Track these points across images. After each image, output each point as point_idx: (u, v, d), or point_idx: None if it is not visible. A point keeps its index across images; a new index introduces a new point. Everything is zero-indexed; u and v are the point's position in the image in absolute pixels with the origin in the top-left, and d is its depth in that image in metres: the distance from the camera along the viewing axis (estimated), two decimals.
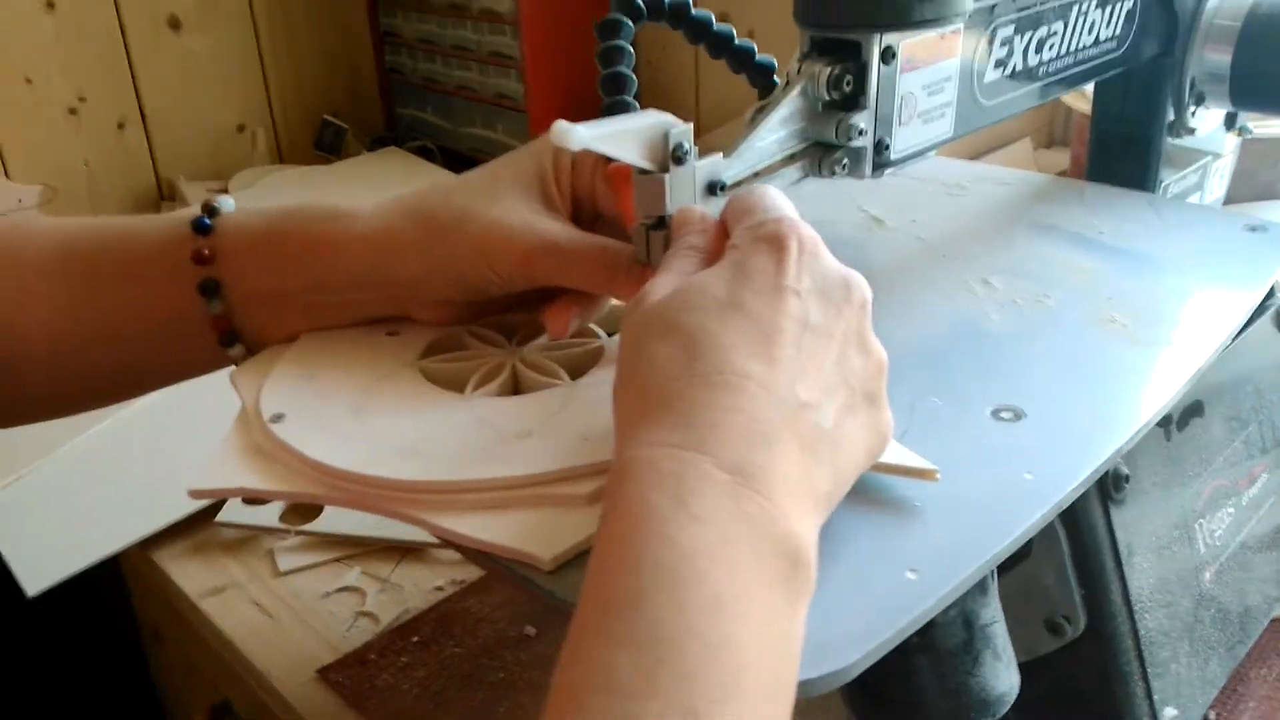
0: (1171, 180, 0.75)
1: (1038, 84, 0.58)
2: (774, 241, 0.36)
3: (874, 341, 0.36)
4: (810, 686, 0.32)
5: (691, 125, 0.42)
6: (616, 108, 0.47)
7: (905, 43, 0.48)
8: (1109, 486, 0.45)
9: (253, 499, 0.73)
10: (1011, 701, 0.40)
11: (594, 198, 0.48)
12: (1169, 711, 0.48)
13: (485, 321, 0.50)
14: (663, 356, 0.33)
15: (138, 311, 0.48)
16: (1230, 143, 0.81)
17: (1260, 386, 0.57)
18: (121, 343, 0.48)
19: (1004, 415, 0.43)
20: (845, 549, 0.36)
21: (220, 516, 0.72)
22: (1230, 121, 0.79)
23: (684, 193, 0.43)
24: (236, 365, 0.48)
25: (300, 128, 1.24)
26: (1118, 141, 0.73)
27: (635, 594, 0.27)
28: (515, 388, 0.47)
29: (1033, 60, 0.56)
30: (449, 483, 0.39)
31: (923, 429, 0.42)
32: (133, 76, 1.11)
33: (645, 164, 0.42)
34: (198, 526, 0.72)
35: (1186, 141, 0.75)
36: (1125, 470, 0.46)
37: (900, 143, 0.50)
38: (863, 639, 0.33)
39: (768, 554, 0.29)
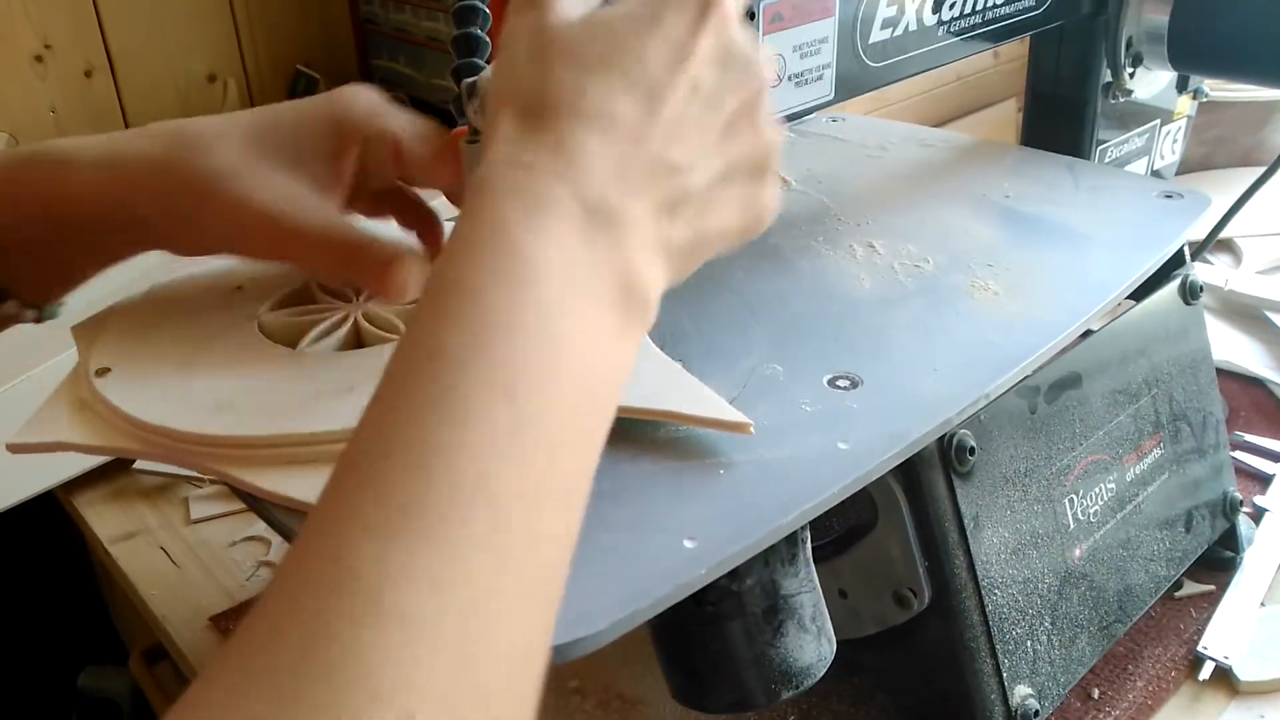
0: (1112, 143, 0.73)
1: (938, 44, 0.56)
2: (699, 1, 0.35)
3: (768, 123, 0.36)
4: (559, 653, 0.31)
5: None
6: (465, 70, 0.46)
7: (767, 2, 0.46)
8: (951, 458, 0.44)
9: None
10: (820, 673, 0.40)
11: (386, 171, 0.44)
12: (1021, 690, 0.47)
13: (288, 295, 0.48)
14: (555, 78, 0.33)
15: None
16: (1185, 105, 0.79)
17: (1156, 359, 0.55)
18: None
19: (840, 383, 0.42)
20: (629, 514, 0.36)
21: (139, 463, 0.73)
22: (1183, 83, 0.76)
23: None
24: (10, 321, 0.45)
25: (273, 78, 1.24)
26: (1052, 103, 0.70)
27: (470, 284, 0.29)
28: (359, 342, 0.46)
29: (929, 20, 0.54)
30: (254, 438, 0.39)
31: (753, 395, 0.42)
32: (99, 23, 1.11)
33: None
34: (119, 472, 0.73)
35: (1137, 102, 0.73)
36: (971, 442, 0.44)
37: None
38: (619, 607, 0.32)
39: (606, 279, 0.31)
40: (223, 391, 0.41)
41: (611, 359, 0.31)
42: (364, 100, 0.44)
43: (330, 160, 0.42)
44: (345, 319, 0.46)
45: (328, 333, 0.45)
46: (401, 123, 0.44)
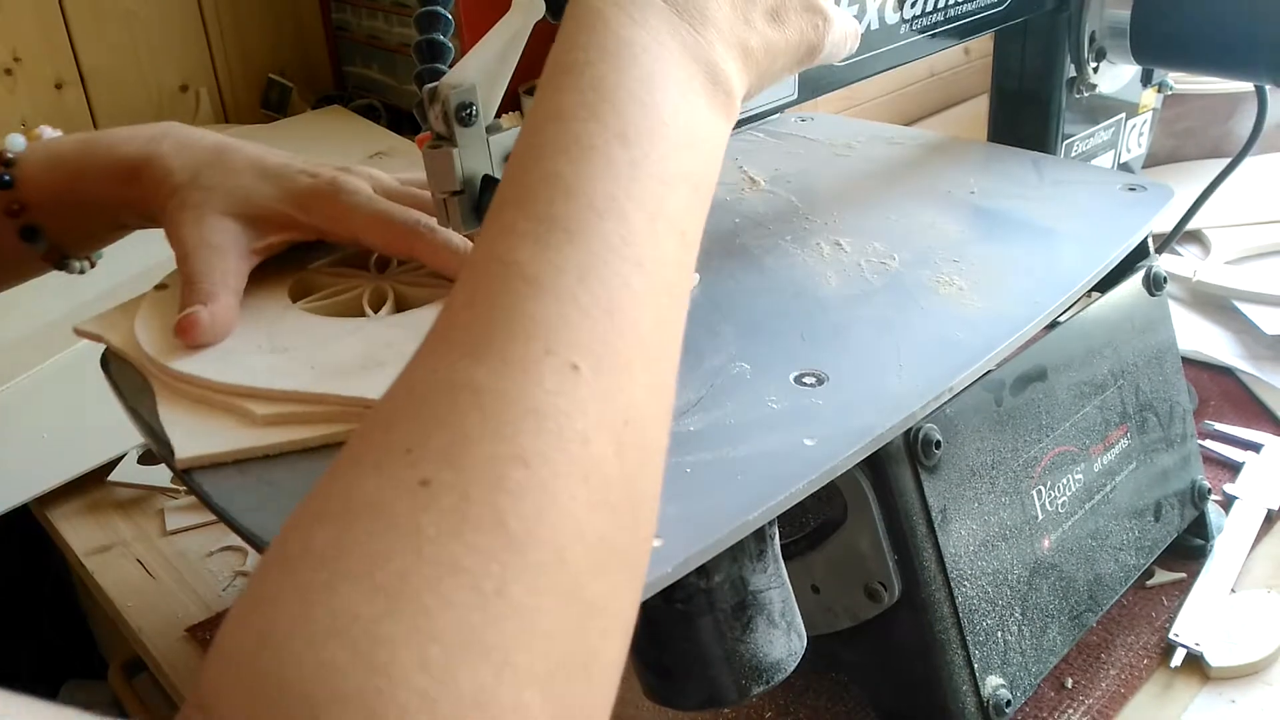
0: (1078, 137, 0.73)
1: (902, 42, 0.56)
2: None
3: None
4: None
5: (473, 85, 0.41)
6: (428, 75, 0.46)
7: None
8: (917, 452, 0.44)
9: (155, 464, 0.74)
10: (791, 668, 0.40)
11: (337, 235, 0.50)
12: (993, 680, 0.47)
13: (345, 256, 0.52)
14: None
15: None
16: (1150, 98, 0.79)
17: (1121, 350, 0.55)
18: None
19: (806, 380, 0.43)
20: None
21: (113, 476, 0.73)
22: (1147, 76, 0.77)
23: (479, 163, 0.42)
24: (63, 268, 0.53)
25: (245, 87, 1.23)
26: (1018, 99, 0.71)
27: (582, 62, 0.33)
28: (360, 313, 0.48)
29: (892, 18, 0.55)
30: (180, 373, 0.42)
31: (719, 395, 0.42)
32: (69, 36, 1.10)
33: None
34: (92, 486, 0.73)
35: (1102, 95, 0.73)
36: (936, 436, 0.45)
37: None
38: None
39: (692, 65, 0.35)
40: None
41: (706, 130, 0.34)
42: (338, 203, 0.48)
43: (272, 229, 0.48)
44: (350, 290, 0.48)
45: (328, 296, 0.48)
46: (363, 222, 0.48)
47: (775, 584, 0.40)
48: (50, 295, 0.88)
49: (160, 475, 0.73)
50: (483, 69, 0.41)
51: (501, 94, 0.42)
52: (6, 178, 0.48)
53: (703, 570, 0.38)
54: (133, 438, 0.75)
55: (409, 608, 0.22)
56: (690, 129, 0.34)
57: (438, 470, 0.24)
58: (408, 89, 1.18)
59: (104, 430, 0.75)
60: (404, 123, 1.19)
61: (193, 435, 0.40)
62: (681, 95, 0.34)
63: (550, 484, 0.25)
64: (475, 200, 0.42)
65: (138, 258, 0.87)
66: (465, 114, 0.41)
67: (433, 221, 0.47)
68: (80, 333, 0.47)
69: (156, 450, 0.42)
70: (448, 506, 0.23)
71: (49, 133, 0.52)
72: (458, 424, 0.25)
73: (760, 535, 0.39)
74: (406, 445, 0.25)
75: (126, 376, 0.45)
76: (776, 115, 0.54)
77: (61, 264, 0.52)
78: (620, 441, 0.27)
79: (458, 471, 0.24)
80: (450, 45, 0.47)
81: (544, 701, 0.22)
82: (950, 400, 0.44)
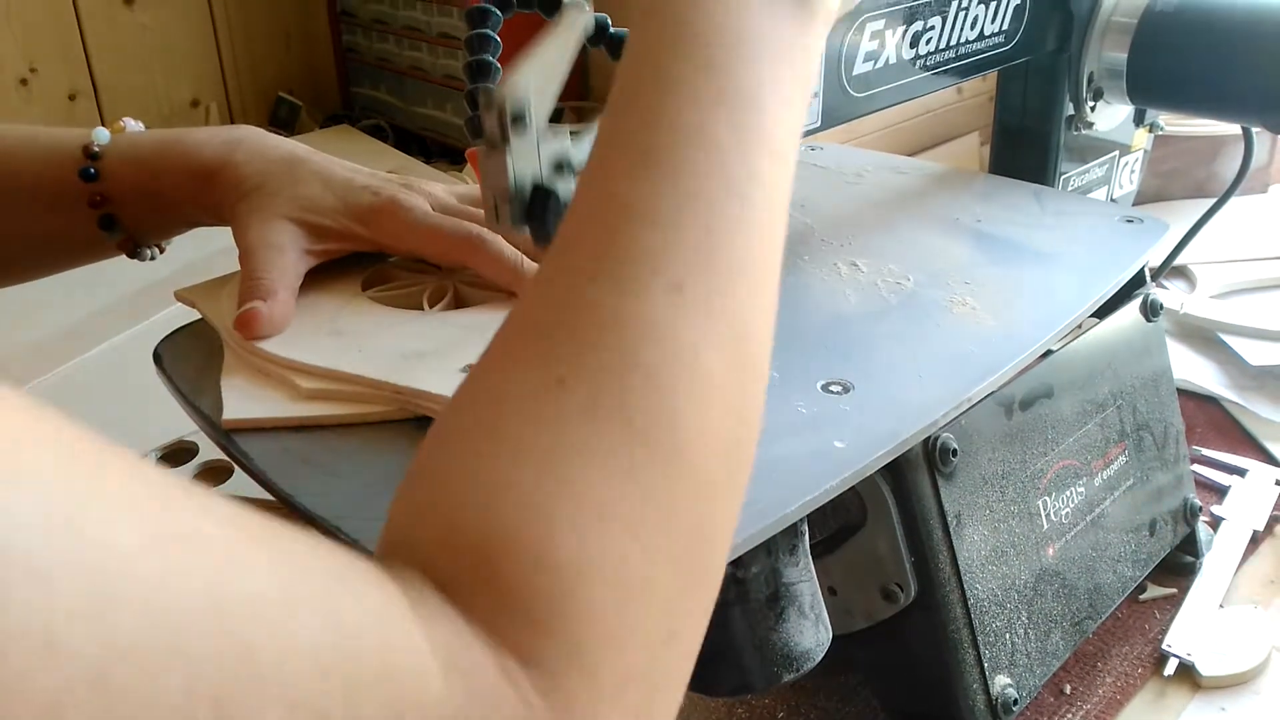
0: (1074, 174, 0.77)
1: (915, 77, 0.59)
2: None
3: None
4: None
5: (527, 93, 0.43)
6: (479, 94, 0.49)
7: None
8: (935, 459, 0.47)
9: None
10: (819, 657, 0.42)
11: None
12: (1001, 680, 0.50)
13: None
14: None
15: (38, 234, 0.54)
16: (1142, 139, 0.83)
17: (1121, 372, 0.58)
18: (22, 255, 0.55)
19: (833, 388, 0.45)
20: None
21: None
22: (1140, 117, 0.81)
23: (530, 167, 0.44)
24: (135, 255, 0.55)
25: (255, 104, 1.26)
26: (1018, 134, 0.74)
27: (654, 4, 0.34)
28: (458, 304, 0.51)
29: (908, 54, 0.58)
30: (249, 345, 0.46)
31: None
32: (84, 48, 1.12)
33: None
34: None
35: (1097, 134, 0.77)
36: (954, 445, 0.47)
37: None
38: None
39: None
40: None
41: (792, 43, 0.35)
42: (397, 221, 0.50)
43: (331, 239, 0.50)
44: (416, 284, 0.51)
45: (395, 288, 0.51)
46: (419, 238, 0.50)
47: (805, 577, 0.42)
48: (70, 300, 0.90)
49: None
50: (535, 76, 0.43)
51: (553, 104, 0.45)
52: (92, 170, 0.51)
53: (739, 562, 0.40)
54: (154, 439, 0.76)
55: (552, 477, 0.26)
56: (776, 47, 0.34)
57: (570, 371, 0.28)
58: (416, 111, 1.21)
59: (124, 432, 0.76)
60: (411, 143, 1.22)
61: (242, 400, 0.43)
62: (767, 20, 0.34)
63: (667, 388, 0.28)
64: (526, 204, 0.44)
65: (152, 267, 0.89)
66: (518, 119, 0.43)
67: (485, 233, 0.49)
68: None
69: (208, 432, 0.44)
70: (581, 401, 0.27)
71: (132, 125, 0.54)
72: (584, 335, 0.28)
73: (792, 531, 0.42)
74: (541, 350, 0.28)
75: (182, 367, 0.47)
76: None
77: (134, 252, 0.55)
78: (727, 352, 0.30)
79: (587, 374, 0.28)
80: (499, 66, 0.49)
81: (673, 576, 0.26)
82: (966, 412, 0.46)
